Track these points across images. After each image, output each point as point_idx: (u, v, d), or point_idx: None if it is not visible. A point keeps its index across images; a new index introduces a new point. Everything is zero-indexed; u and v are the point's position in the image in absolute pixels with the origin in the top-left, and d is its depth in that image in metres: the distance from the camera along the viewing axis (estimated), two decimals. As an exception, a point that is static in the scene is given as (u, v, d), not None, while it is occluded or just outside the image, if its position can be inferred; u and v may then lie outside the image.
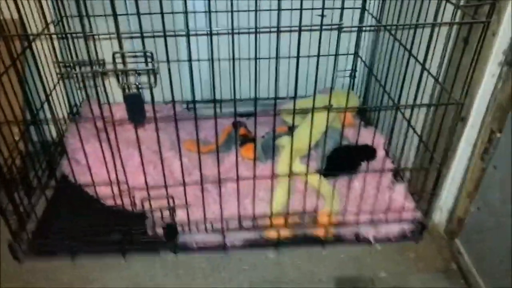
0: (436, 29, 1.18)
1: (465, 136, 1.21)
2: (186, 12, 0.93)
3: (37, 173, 1.42)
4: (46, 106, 1.33)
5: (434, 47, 1.19)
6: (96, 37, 0.90)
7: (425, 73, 1.19)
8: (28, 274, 1.23)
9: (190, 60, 1.06)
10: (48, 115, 1.34)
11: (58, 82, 1.46)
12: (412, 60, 1.21)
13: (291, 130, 1.57)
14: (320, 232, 1.32)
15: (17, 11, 1.17)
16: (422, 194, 1.32)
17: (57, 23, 1.53)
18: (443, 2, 1.11)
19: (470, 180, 1.22)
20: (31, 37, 1.27)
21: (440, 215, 1.36)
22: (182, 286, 1.21)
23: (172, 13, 1.55)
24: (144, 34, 0.87)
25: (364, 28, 1.72)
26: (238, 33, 1.63)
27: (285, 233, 1.31)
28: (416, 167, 1.31)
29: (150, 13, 1.32)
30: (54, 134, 1.56)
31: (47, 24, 1.33)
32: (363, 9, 1.68)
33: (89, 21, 1.11)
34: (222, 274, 1.24)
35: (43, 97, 1.37)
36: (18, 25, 1.30)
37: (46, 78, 1.33)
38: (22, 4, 1.23)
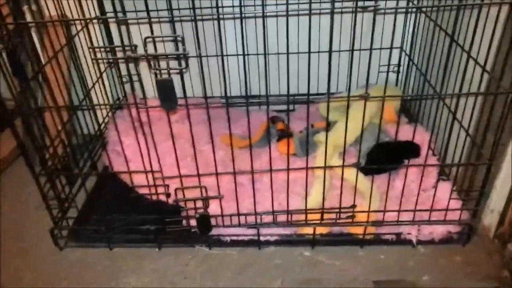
0: (484, 12, 1.10)
1: (517, 128, 1.11)
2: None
3: (78, 163, 1.47)
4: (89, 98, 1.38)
5: (482, 32, 1.11)
6: (129, 22, 0.91)
7: (471, 62, 1.11)
8: (65, 261, 1.27)
9: (221, 55, 1.06)
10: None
11: (101, 76, 1.51)
12: (457, 48, 1.13)
13: (330, 125, 1.52)
14: (358, 230, 1.26)
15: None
16: (470, 193, 1.23)
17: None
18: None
19: (524, 178, 1.12)
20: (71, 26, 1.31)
21: (490, 217, 1.26)
22: (213, 279, 1.20)
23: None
24: (174, 19, 0.88)
25: (404, 14, 1.63)
26: (267, 16, 1.59)
27: (321, 230, 1.26)
28: (463, 163, 1.22)
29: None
30: (96, 127, 1.61)
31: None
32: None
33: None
34: (254, 269, 1.22)
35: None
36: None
37: (89, 71, 1.38)
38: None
